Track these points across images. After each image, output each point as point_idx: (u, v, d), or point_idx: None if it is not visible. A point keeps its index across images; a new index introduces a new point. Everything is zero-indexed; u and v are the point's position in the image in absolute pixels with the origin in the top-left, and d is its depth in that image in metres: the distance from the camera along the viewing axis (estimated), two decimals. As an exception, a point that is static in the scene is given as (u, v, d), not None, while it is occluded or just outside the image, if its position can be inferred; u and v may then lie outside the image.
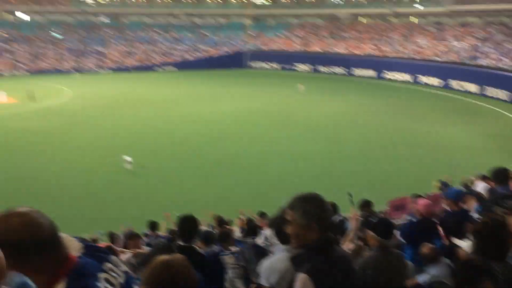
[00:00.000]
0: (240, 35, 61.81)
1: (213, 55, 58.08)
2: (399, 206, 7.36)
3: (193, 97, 35.80)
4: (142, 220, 9.66)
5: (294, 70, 53.84)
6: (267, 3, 64.95)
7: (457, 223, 5.40)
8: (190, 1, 65.77)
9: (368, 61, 48.59)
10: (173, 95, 36.44)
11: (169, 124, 26.11)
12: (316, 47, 55.26)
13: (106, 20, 64.29)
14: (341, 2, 60.03)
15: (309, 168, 18.23)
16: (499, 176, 5.58)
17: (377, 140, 23.04)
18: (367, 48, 50.96)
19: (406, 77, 44.31)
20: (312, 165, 18.73)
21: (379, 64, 47.20)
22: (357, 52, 51.19)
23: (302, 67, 53.60)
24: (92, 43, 57.76)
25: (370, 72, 47.64)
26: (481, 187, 7.91)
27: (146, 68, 54.90)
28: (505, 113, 29.99)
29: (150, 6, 65.08)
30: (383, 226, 3.63)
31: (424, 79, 42.52)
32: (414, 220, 5.91)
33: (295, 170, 17.89)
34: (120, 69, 53.99)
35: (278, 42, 58.95)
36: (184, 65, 55.34)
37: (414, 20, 54.76)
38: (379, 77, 46.48)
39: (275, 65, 55.67)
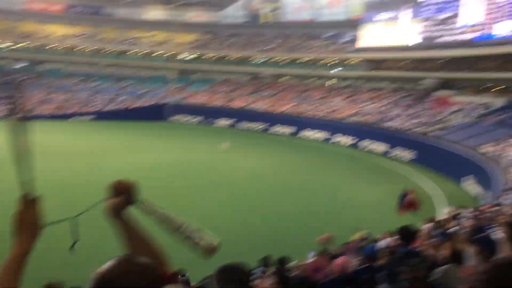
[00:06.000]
0: (163, 88, 62.12)
1: (134, 106, 57.59)
2: (317, 269, 7.57)
3: (110, 148, 35.09)
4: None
5: (216, 125, 54.49)
6: (192, 58, 66.13)
7: (370, 279, 5.70)
8: (113, 51, 65.45)
9: (287, 119, 50.37)
10: (88, 146, 35.49)
11: (79, 176, 25.24)
12: (238, 103, 56.60)
13: (21, 65, 62.26)
14: (264, 61, 62.33)
15: (222, 224, 18.31)
16: (404, 234, 5.95)
17: (291, 196, 23.78)
18: (287, 107, 52.99)
19: (322, 135, 46.32)
20: (227, 220, 18.85)
21: (298, 122, 49.12)
22: (277, 109, 53.00)
23: (223, 122, 54.47)
24: (5, 89, 55.31)
25: (289, 129, 49.30)
26: (385, 244, 8.34)
27: (62, 117, 53.15)
28: (409, 172, 32.03)
29: (70, 54, 64.07)
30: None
31: (338, 138, 44.63)
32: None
33: (209, 225, 17.81)
34: (34, 117, 51.82)
35: (201, 97, 59.79)
36: (103, 116, 54.29)
37: (331, 82, 58.00)
38: (297, 135, 48.16)
39: (197, 119, 56.11)
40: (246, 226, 18.07)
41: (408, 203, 18.58)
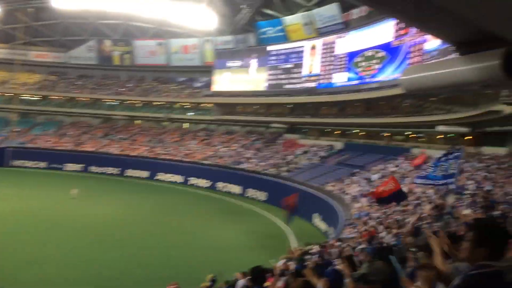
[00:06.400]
0: (2, 131, 56.73)
1: (-33, 151, 51.48)
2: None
3: None
4: None
5: (64, 169, 51.06)
6: (35, 99, 61.77)
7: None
8: None
9: (142, 162, 49.46)
10: None
11: None
12: (88, 147, 54.08)
13: None
14: (117, 103, 60.84)
15: (74, 272, 17.39)
16: (255, 274, 6.13)
17: (149, 240, 23.25)
18: (141, 150, 52.12)
19: (178, 178, 46.31)
20: (78, 268, 17.86)
21: (152, 165, 48.54)
22: (131, 153, 51.78)
23: (72, 166, 51.31)
24: None
25: (144, 173, 48.38)
26: (241, 285, 8.50)
27: None
28: (263, 212, 33.47)
29: None
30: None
31: (195, 180, 45.02)
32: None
33: (57, 275, 16.94)
34: None
35: (47, 140, 55.84)
36: None
37: (186, 125, 58.73)
38: (153, 178, 47.46)
39: (42, 164, 51.92)
40: (99, 275, 17.09)
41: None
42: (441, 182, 13.04)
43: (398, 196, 14.10)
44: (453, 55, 5.00)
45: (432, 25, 4.46)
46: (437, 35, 5.69)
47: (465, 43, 4.45)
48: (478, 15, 3.75)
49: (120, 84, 62.88)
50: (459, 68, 4.52)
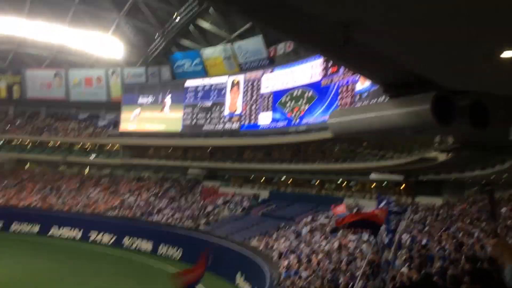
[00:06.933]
0: None
1: None
2: None
3: None
4: None
5: None
6: None
7: None
8: None
9: (31, 214, 47.08)
10: None
11: None
12: (-36, 196, 50.68)
13: None
14: (1, 143, 57.82)
15: None
16: None
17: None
18: (31, 199, 49.66)
19: (75, 233, 44.45)
20: None
21: (45, 217, 46.30)
22: (18, 203, 49.13)
23: None
24: None
25: (34, 227, 46.00)
26: None
27: None
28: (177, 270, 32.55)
29: None
30: None
31: (95, 235, 43.33)
32: None
33: None
34: None
35: None
36: None
37: (88, 171, 56.81)
38: (44, 233, 45.12)
39: None
40: None
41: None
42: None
43: (376, 228, 14.95)
44: (382, 98, 5.19)
45: (358, 64, 4.58)
46: (364, 75, 5.91)
47: (394, 86, 4.61)
48: (406, 57, 3.91)
49: (6, 120, 60.07)
50: (388, 112, 4.63)
